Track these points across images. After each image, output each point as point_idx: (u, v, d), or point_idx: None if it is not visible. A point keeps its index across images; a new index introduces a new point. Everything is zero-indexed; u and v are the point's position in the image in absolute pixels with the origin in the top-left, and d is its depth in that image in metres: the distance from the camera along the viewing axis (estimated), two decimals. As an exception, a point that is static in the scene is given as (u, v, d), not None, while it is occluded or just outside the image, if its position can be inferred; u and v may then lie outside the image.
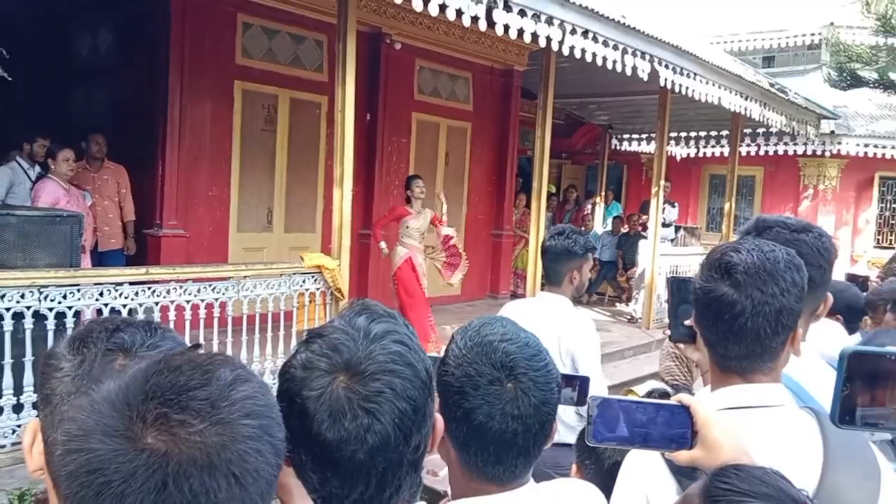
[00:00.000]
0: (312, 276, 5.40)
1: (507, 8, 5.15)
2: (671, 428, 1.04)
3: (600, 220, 12.75)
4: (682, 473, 1.13)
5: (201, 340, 4.79)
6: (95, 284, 4.23)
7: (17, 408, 3.99)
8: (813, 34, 13.69)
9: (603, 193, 13.33)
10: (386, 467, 0.84)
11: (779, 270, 1.19)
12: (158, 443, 0.58)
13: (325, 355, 0.85)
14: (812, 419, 1.25)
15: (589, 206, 12.93)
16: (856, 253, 12.97)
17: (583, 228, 11.74)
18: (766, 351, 1.23)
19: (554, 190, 12.36)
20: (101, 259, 6.04)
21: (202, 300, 4.77)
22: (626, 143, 14.23)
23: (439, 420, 0.92)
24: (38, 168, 6.04)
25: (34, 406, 4.01)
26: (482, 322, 1.17)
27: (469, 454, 1.07)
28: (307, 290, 5.38)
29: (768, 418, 1.22)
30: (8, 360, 3.91)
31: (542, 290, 2.95)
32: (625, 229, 11.71)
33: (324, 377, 0.84)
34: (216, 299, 4.87)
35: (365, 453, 0.82)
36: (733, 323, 1.20)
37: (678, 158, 13.55)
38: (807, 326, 1.62)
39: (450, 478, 1.13)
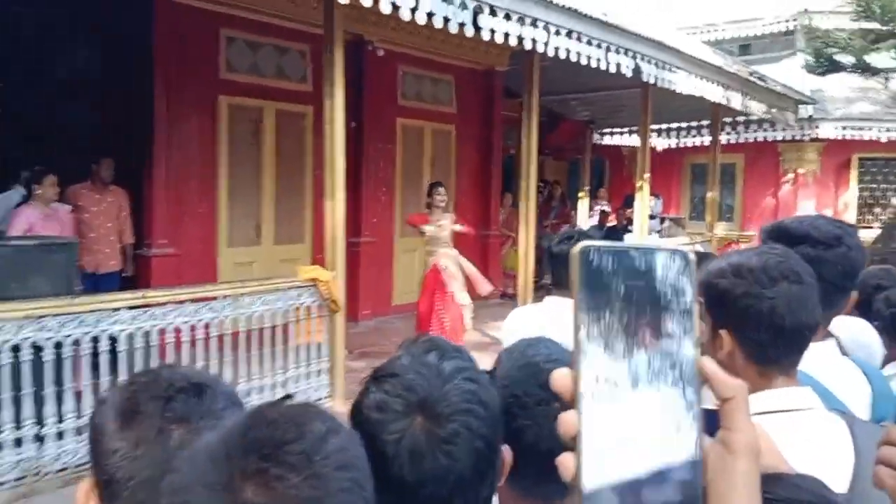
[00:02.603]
0: (308, 290, 5.38)
1: (493, 13, 5.16)
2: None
3: (585, 215, 12.81)
4: None
5: (200, 360, 4.76)
6: (92, 311, 4.17)
7: (18, 442, 3.92)
8: (787, 21, 13.83)
9: (587, 188, 13.39)
10: None
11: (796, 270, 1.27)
12: (257, 497, 0.60)
13: (400, 396, 0.86)
14: (842, 423, 1.27)
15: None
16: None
17: (567, 224, 11.84)
18: (801, 346, 1.29)
19: (541, 186, 12.39)
20: (98, 282, 5.99)
21: (200, 320, 4.73)
22: (607, 138, 14.31)
23: (507, 452, 0.93)
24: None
25: (35, 438, 3.96)
26: (527, 343, 1.17)
27: (518, 474, 1.06)
28: (303, 303, 5.36)
29: (799, 422, 1.23)
30: (7, 393, 3.84)
31: (547, 294, 2.95)
32: (611, 222, 11.78)
33: (401, 420, 0.85)
34: (214, 318, 4.83)
35: (444, 493, 0.84)
36: (773, 320, 1.24)
37: (659, 150, 13.65)
38: (827, 324, 1.66)
39: (498, 498, 1.14)
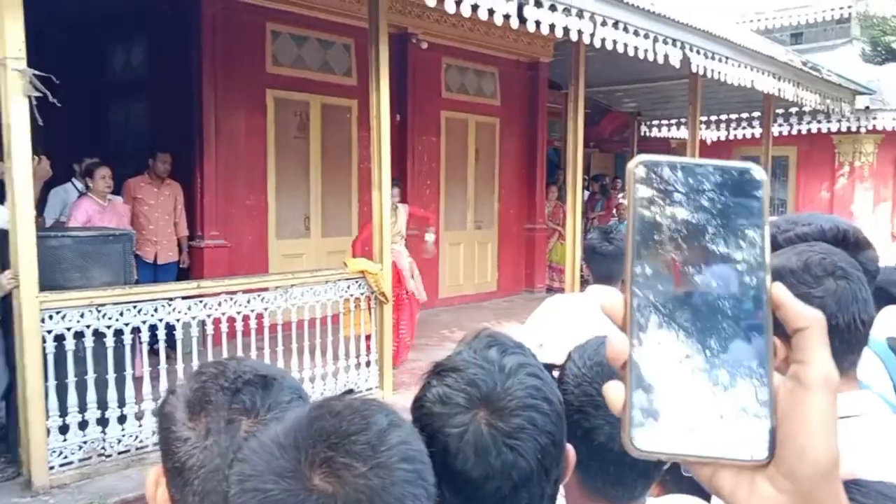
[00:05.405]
0: (356, 282, 5.45)
1: (538, 4, 5.13)
2: None
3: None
4: None
5: (253, 349, 4.87)
6: (150, 300, 4.31)
7: (83, 425, 4.08)
8: (842, 8, 13.39)
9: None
10: (529, 501, 0.85)
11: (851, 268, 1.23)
12: (325, 484, 0.62)
13: (463, 390, 0.85)
14: None
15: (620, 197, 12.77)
16: (896, 229, 12.71)
17: (615, 217, 11.70)
18: (858, 343, 1.23)
19: (585, 179, 12.25)
20: (158, 271, 6.25)
21: (252, 310, 4.84)
22: (654, 130, 14.08)
23: (571, 450, 0.92)
24: None
25: (98, 422, 4.11)
26: (600, 341, 1.13)
27: (589, 475, 1.06)
28: (352, 295, 5.44)
29: (863, 428, 1.20)
30: (72, 378, 4.00)
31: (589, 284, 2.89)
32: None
33: (464, 413, 0.84)
34: (265, 308, 4.94)
35: (509, 489, 0.83)
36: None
37: (709, 142, 13.36)
38: None
39: (567, 497, 1.13)
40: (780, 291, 0.44)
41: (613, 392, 0.45)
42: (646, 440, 0.42)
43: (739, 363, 0.43)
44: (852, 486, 0.91)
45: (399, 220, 6.60)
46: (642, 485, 1.10)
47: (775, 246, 1.34)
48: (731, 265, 0.43)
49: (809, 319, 0.44)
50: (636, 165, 0.45)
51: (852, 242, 1.50)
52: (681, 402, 0.43)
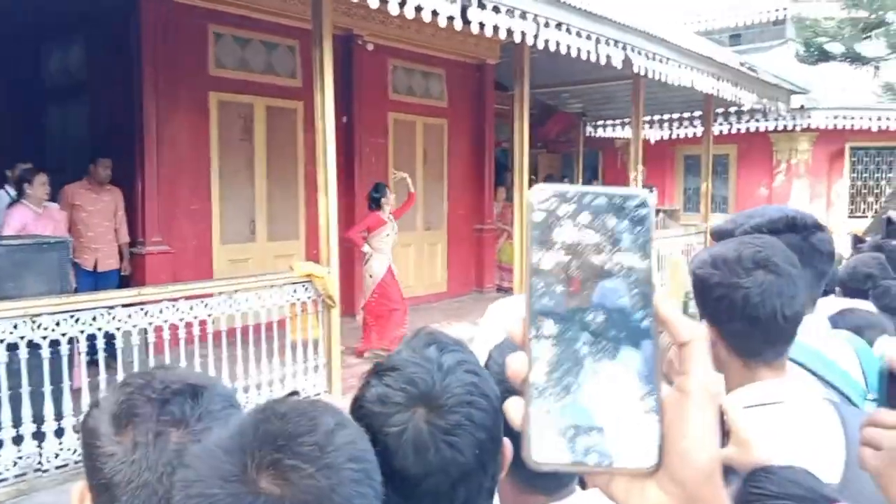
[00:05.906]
0: (303, 286, 5.40)
1: (481, 5, 5.17)
2: None
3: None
4: None
5: (197, 356, 4.78)
6: (89, 309, 4.18)
7: (18, 440, 3.94)
8: (777, 10, 13.87)
9: (580, 181, 13.40)
10: (467, 496, 0.86)
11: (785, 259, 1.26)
12: (273, 486, 0.62)
13: (402, 389, 0.86)
14: (832, 411, 1.26)
15: None
16: (830, 225, 13.18)
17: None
18: (781, 336, 1.27)
19: (532, 179, 12.39)
20: (98, 279, 6.07)
21: (195, 317, 4.75)
22: (600, 130, 14.33)
23: (508, 445, 0.93)
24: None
25: (34, 436, 3.98)
26: None
27: (518, 467, 1.06)
28: (299, 299, 5.38)
29: (787, 414, 1.23)
30: (5, 391, 3.86)
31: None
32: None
33: (403, 412, 0.85)
34: (209, 315, 4.85)
35: (448, 485, 0.84)
36: (746, 310, 1.22)
37: (652, 141, 13.66)
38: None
39: (499, 492, 1.14)
40: (664, 308, 0.46)
41: (513, 408, 0.47)
42: (543, 454, 0.45)
43: (630, 375, 0.45)
44: (761, 473, 0.94)
45: (394, 226, 6.77)
46: (569, 473, 1.11)
47: None
48: (621, 283, 0.46)
49: (692, 334, 0.46)
50: (534, 193, 0.48)
51: (801, 226, 1.56)
52: (575, 415, 0.45)
